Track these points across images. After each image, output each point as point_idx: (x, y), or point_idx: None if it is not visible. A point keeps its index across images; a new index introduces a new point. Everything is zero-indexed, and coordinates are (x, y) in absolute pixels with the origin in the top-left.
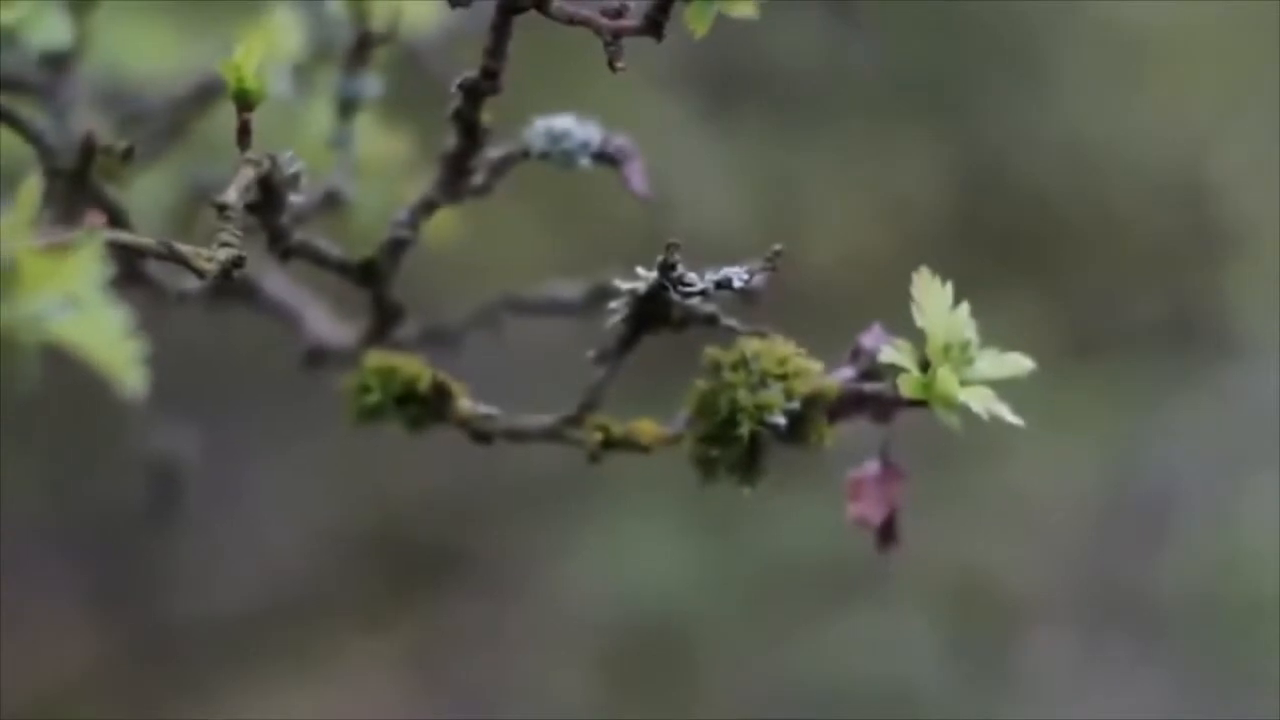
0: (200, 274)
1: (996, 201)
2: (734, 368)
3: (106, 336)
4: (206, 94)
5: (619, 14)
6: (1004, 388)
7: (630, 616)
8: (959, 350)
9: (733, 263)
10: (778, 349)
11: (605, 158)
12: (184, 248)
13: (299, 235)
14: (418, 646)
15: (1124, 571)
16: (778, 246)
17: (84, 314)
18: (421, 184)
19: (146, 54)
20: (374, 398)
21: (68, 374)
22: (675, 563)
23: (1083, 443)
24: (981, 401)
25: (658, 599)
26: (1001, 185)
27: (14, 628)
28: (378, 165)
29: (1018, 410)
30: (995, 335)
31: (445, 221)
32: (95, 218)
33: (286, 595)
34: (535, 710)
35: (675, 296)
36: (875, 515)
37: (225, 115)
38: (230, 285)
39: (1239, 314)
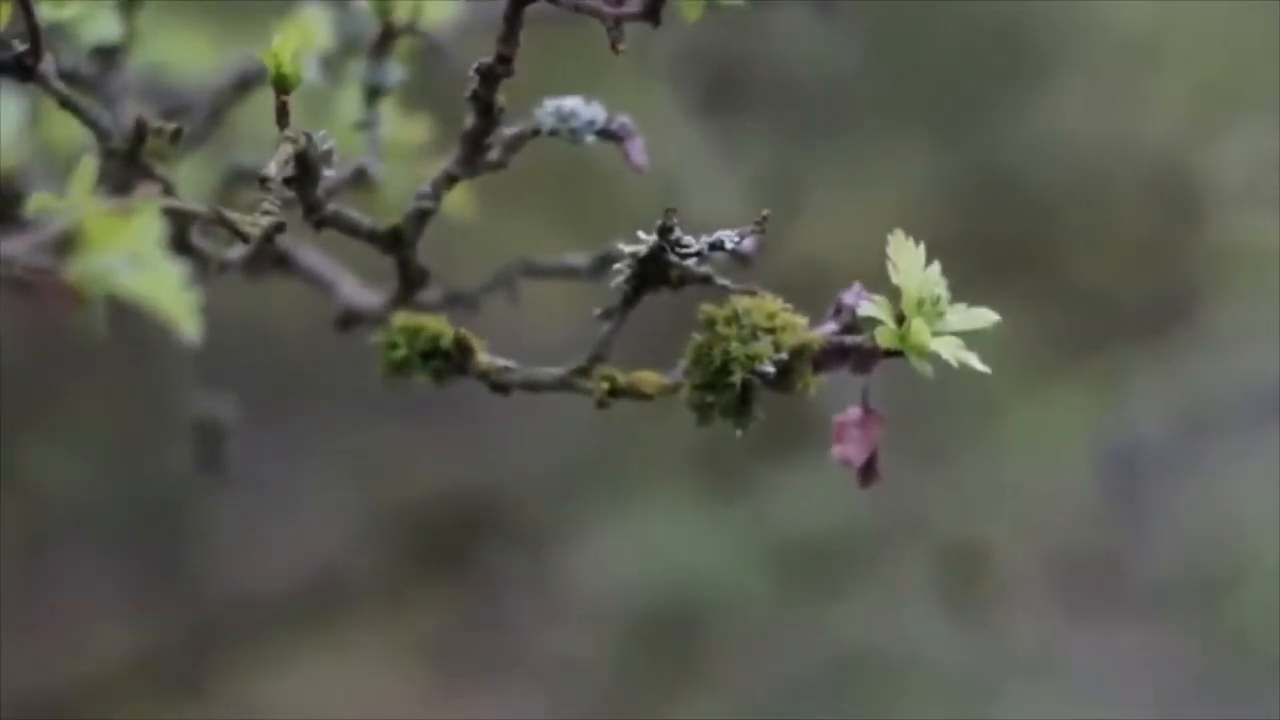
0: (245, 238)
1: (990, 199)
2: (727, 322)
3: (168, 288)
4: (245, 85)
5: (620, 2)
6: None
7: (649, 598)
8: (931, 304)
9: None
10: (767, 305)
11: (608, 134)
12: (232, 214)
13: (331, 208)
14: (442, 628)
15: (1118, 548)
16: (766, 212)
17: (146, 269)
18: (441, 163)
19: (187, 55)
20: (401, 353)
21: (106, 362)
22: (695, 545)
23: (1074, 427)
24: (951, 350)
25: (678, 581)
26: (995, 183)
27: (52, 612)
28: (401, 147)
29: (1015, 401)
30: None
31: (464, 195)
32: (150, 187)
33: (315, 578)
34: (558, 690)
35: (673, 258)
36: (857, 456)
37: (259, 107)
38: (269, 253)
39: (1221, 303)
